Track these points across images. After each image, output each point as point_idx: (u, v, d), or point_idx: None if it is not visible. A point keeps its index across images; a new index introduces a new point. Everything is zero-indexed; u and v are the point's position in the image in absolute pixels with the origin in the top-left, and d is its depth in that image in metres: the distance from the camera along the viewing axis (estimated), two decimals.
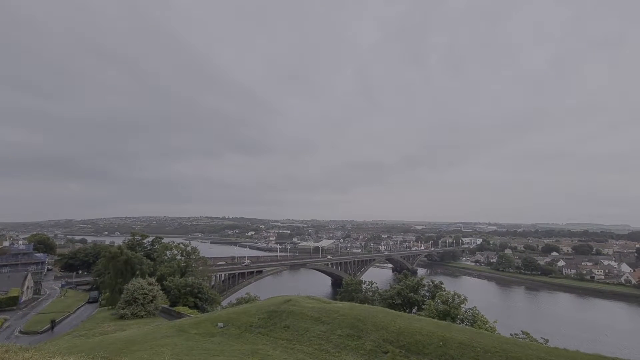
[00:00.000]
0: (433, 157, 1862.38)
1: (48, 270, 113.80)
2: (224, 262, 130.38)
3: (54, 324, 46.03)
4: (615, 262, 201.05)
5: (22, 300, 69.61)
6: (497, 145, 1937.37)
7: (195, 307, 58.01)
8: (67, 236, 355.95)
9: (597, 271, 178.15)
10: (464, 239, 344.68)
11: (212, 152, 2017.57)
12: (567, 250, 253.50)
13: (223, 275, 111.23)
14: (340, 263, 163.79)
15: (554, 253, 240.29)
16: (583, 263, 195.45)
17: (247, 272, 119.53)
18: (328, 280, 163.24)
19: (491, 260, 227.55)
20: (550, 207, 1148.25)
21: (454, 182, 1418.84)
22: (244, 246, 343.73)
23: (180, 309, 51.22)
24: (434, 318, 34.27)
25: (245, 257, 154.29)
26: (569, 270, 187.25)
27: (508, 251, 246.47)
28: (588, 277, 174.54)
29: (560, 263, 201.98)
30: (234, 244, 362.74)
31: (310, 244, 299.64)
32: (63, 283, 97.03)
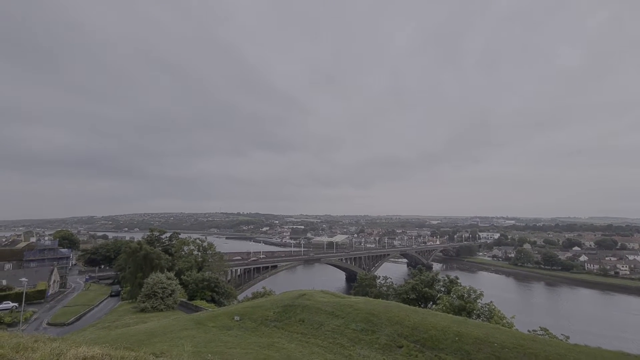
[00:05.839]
0: (456, 153, 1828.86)
1: (72, 265, 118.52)
2: (239, 257, 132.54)
3: None
4: None
5: (49, 294, 72.81)
6: (522, 141, 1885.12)
7: (212, 300, 59.25)
8: (90, 232, 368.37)
9: (622, 266, 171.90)
10: (481, 234, 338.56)
11: (238, 149, 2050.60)
12: (590, 245, 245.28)
13: (239, 270, 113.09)
14: (354, 258, 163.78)
15: (576, 248, 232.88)
16: (607, 258, 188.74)
17: (262, 267, 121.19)
18: (342, 275, 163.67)
19: (509, 255, 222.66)
20: (572, 201, 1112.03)
21: (474, 177, 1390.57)
22: (259, 241, 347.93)
23: (198, 302, 52.51)
24: (449, 313, 33.92)
25: (260, 252, 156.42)
26: (592, 265, 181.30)
27: (527, 246, 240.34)
28: (612, 272, 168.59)
29: (583, 258, 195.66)
30: (249, 239, 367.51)
31: (324, 239, 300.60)
32: (87, 277, 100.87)
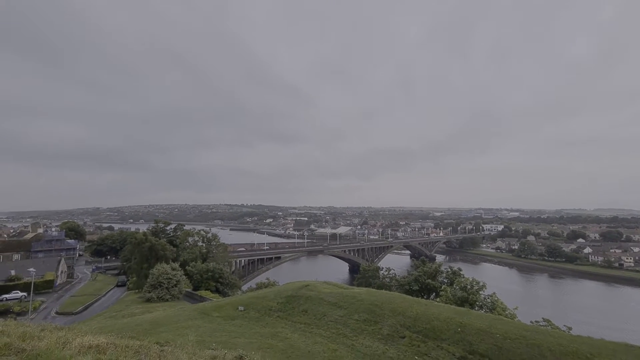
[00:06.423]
0: (461, 144, 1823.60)
1: (79, 255, 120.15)
2: (243, 249, 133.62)
3: None
4: None
5: (57, 284, 74.12)
6: (529, 132, 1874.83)
7: (217, 291, 59.94)
8: (96, 223, 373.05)
9: (627, 258, 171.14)
10: (484, 226, 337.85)
11: (244, 141, 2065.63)
12: (595, 237, 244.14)
13: (243, 261, 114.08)
14: (358, 249, 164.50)
15: (580, 240, 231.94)
16: (611, 250, 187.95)
17: (266, 258, 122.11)
18: (345, 267, 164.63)
19: (513, 247, 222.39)
20: (577, 193, 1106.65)
21: (478, 168, 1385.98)
22: (263, 233, 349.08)
23: (202, 293, 53.19)
24: (452, 305, 34.04)
25: (264, 243, 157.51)
26: (596, 257, 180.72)
27: (531, 237, 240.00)
28: (616, 264, 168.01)
29: (587, 250, 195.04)
30: (253, 230, 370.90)
31: (328, 230, 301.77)
32: (93, 268, 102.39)
